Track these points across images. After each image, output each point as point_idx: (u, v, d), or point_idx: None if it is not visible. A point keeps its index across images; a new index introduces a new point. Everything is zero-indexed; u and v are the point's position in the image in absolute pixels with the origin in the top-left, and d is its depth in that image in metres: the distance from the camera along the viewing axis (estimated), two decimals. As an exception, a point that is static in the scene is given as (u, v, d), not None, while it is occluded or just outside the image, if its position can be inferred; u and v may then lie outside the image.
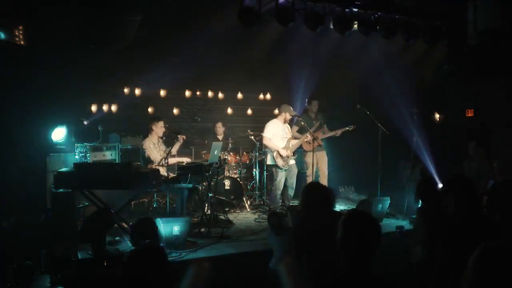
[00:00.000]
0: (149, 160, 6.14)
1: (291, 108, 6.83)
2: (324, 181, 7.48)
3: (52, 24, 5.60)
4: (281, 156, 6.61)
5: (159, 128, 6.29)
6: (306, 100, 7.63)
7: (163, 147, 6.36)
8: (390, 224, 5.92)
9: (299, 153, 7.37)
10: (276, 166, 6.68)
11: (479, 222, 2.97)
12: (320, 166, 7.44)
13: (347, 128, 7.21)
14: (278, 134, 6.72)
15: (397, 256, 3.81)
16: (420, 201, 3.81)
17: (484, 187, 6.30)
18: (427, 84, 8.08)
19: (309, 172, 7.29)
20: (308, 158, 7.17)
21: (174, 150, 6.42)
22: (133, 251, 2.16)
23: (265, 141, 6.77)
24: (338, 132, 7.27)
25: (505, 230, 3.03)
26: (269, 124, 6.82)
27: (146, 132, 6.43)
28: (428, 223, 3.58)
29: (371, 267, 1.94)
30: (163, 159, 5.95)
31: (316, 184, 3.88)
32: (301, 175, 7.38)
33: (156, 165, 6.22)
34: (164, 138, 6.49)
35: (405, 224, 5.76)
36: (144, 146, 6.18)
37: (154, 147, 6.22)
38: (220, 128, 8.08)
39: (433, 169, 7.47)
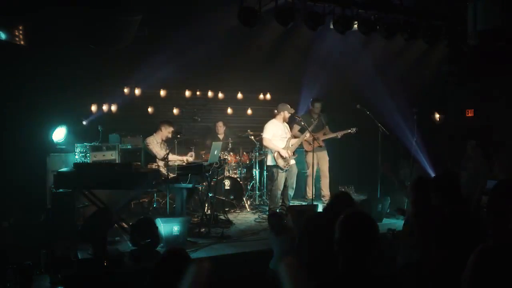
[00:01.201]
0: (152, 155, 6.26)
1: (289, 106, 6.82)
2: (325, 181, 7.49)
3: (52, 24, 5.60)
4: (281, 156, 6.60)
5: (166, 131, 6.54)
6: (310, 101, 7.58)
7: (164, 147, 6.45)
8: (390, 224, 5.91)
9: (300, 153, 7.38)
10: (277, 166, 6.66)
11: (472, 222, 2.97)
12: (321, 166, 7.45)
13: (349, 131, 7.19)
14: (277, 135, 6.71)
15: (388, 258, 3.80)
16: (411, 203, 3.71)
17: (483, 186, 6.29)
18: (427, 84, 8.08)
19: (309, 172, 7.30)
20: (309, 158, 7.17)
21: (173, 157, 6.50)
22: (160, 257, 2.20)
23: (265, 142, 6.75)
24: (340, 135, 7.27)
25: (505, 230, 3.03)
26: (268, 125, 6.80)
27: (150, 132, 6.62)
28: (422, 225, 3.56)
29: (370, 267, 1.94)
30: (166, 155, 5.99)
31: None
32: (301, 175, 7.38)
33: (156, 165, 6.24)
34: (163, 140, 6.62)
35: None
36: (147, 141, 6.38)
37: (156, 144, 6.44)
38: (221, 128, 8.09)
39: (432, 169, 7.47)
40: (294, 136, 7.05)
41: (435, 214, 3.40)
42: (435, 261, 2.86)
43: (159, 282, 2.07)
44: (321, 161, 7.42)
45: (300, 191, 7.80)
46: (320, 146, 7.30)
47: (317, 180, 7.48)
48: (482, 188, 6.22)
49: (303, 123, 6.80)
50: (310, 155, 7.12)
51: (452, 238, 2.82)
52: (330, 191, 7.45)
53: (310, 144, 7.06)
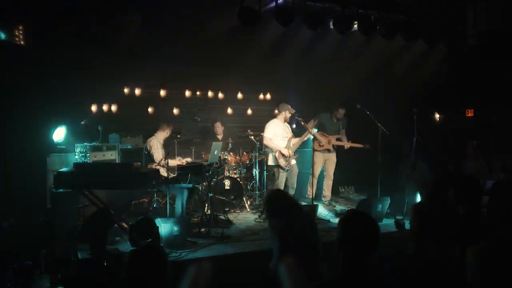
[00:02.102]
0: (151, 158, 6.22)
1: (289, 106, 6.84)
2: (328, 182, 7.48)
3: (52, 24, 5.60)
4: (283, 156, 6.61)
5: (164, 131, 6.53)
6: (335, 104, 7.54)
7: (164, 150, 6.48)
8: (390, 224, 5.90)
9: (301, 153, 7.37)
10: (278, 166, 6.66)
11: (478, 221, 2.98)
12: (327, 167, 7.44)
13: (362, 146, 7.19)
14: (278, 134, 6.72)
15: (392, 251, 3.82)
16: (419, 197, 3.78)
17: (483, 186, 6.28)
18: (427, 84, 8.08)
19: (312, 171, 7.27)
20: (315, 158, 7.15)
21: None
22: (133, 251, 2.17)
23: (265, 141, 6.76)
24: (348, 146, 7.25)
25: (504, 229, 3.04)
26: (269, 124, 6.81)
27: (150, 132, 6.64)
28: (421, 218, 3.61)
29: (370, 267, 1.94)
30: (163, 160, 5.99)
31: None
32: (302, 175, 7.38)
33: (156, 165, 6.24)
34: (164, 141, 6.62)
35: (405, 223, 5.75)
36: (151, 143, 6.36)
37: (160, 147, 6.41)
38: (219, 128, 8.06)
39: (433, 169, 7.46)
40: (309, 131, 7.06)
41: (449, 213, 3.41)
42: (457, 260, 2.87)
43: (131, 280, 2.02)
44: (328, 162, 7.42)
45: (301, 191, 7.81)
46: (329, 150, 7.31)
47: (320, 180, 7.48)
48: (483, 188, 6.21)
49: (303, 123, 6.80)
50: (317, 154, 7.11)
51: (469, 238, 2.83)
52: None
53: (320, 144, 7.08)
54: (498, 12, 5.55)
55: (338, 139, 7.36)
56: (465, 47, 6.74)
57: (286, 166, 6.63)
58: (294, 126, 7.63)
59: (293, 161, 6.83)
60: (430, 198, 3.67)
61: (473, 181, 3.27)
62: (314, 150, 7.14)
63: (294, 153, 6.80)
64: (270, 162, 6.84)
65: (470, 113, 8.50)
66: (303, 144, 7.21)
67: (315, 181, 7.27)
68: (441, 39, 6.74)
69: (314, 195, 6.98)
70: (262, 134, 6.97)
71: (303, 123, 6.79)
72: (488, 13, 5.61)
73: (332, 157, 7.43)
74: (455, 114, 8.54)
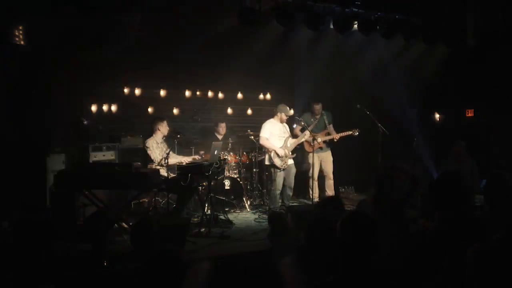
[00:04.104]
0: (149, 159, 6.20)
1: (288, 108, 6.81)
2: (329, 182, 7.46)
3: (52, 24, 5.61)
4: (278, 155, 6.59)
5: (164, 128, 6.43)
6: (311, 103, 7.53)
7: (165, 147, 6.43)
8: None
9: (302, 153, 7.37)
10: (274, 166, 6.66)
11: (466, 221, 2.97)
12: (324, 167, 7.42)
13: (350, 133, 7.09)
14: (275, 134, 6.70)
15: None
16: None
17: (477, 186, 6.27)
18: (427, 84, 8.08)
19: (310, 173, 7.25)
20: (310, 159, 7.14)
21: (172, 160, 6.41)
22: (151, 256, 2.18)
23: (261, 141, 6.75)
24: (337, 137, 7.21)
25: (497, 224, 3.04)
26: (265, 124, 6.80)
27: (150, 132, 6.54)
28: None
29: (370, 267, 1.94)
30: (163, 159, 5.98)
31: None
32: (303, 175, 7.37)
33: (155, 165, 6.24)
34: (164, 138, 6.56)
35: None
36: (147, 144, 6.27)
37: (157, 147, 6.32)
38: (222, 129, 7.99)
39: (433, 169, 7.47)
40: (296, 135, 7.05)
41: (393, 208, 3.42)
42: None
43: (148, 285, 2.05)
44: (324, 162, 7.39)
45: (302, 191, 7.83)
46: (320, 148, 7.29)
47: (322, 181, 7.48)
48: (476, 188, 6.21)
49: (303, 123, 6.80)
50: (311, 156, 7.11)
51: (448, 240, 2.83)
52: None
53: (310, 145, 7.07)
54: (498, 12, 5.56)
55: (327, 134, 7.35)
56: (464, 47, 6.74)
57: (281, 166, 6.62)
58: (294, 126, 7.62)
59: (291, 161, 6.81)
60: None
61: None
62: (308, 152, 7.15)
63: (291, 152, 6.78)
64: (267, 161, 6.83)
65: (470, 113, 8.49)
66: (304, 145, 7.23)
67: (316, 184, 7.26)
68: (441, 39, 6.74)
69: (313, 196, 6.98)
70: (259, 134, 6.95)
71: (303, 123, 6.79)
72: (487, 12, 5.62)
73: (327, 156, 7.42)
74: (455, 114, 8.54)
